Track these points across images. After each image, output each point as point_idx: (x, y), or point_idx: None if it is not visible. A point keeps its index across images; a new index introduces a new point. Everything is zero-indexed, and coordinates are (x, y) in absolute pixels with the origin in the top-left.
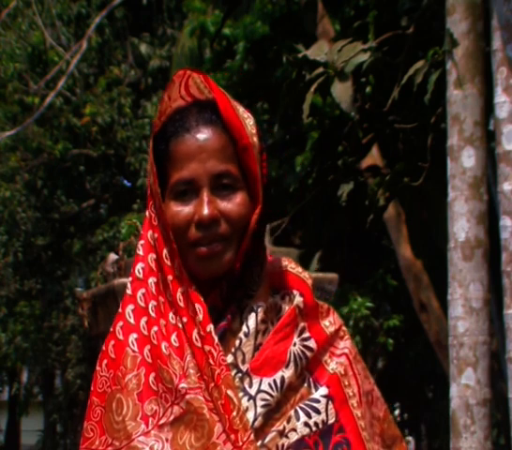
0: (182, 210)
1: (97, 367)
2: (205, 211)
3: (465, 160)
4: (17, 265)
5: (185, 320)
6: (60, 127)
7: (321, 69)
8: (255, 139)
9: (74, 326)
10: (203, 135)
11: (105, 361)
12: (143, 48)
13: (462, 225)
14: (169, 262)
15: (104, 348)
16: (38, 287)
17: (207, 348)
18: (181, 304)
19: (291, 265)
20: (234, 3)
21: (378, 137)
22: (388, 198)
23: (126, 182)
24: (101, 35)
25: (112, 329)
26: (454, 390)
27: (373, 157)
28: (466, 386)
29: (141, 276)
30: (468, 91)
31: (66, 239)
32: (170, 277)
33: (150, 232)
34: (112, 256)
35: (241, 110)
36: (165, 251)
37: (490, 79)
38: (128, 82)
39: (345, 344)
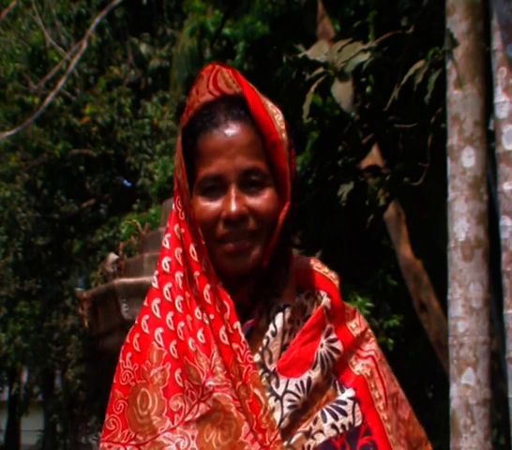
0: (209, 206)
1: (121, 360)
2: (233, 207)
3: (465, 160)
4: (17, 265)
5: (212, 317)
6: (60, 127)
7: (321, 69)
8: (284, 135)
9: (74, 326)
10: (232, 131)
11: (129, 354)
12: (143, 48)
13: (462, 225)
14: (196, 258)
15: (128, 341)
16: (38, 287)
17: (235, 346)
18: (208, 300)
19: (317, 265)
20: (234, 3)
21: (378, 137)
22: (388, 198)
23: (126, 182)
24: (101, 35)
25: (137, 322)
26: (454, 390)
27: (373, 158)
28: (466, 386)
29: (167, 270)
30: (468, 91)
31: (66, 239)
32: (196, 273)
33: (177, 226)
34: (112, 256)
35: (270, 105)
36: (192, 247)
37: (490, 79)
38: (127, 82)
39: (371, 346)
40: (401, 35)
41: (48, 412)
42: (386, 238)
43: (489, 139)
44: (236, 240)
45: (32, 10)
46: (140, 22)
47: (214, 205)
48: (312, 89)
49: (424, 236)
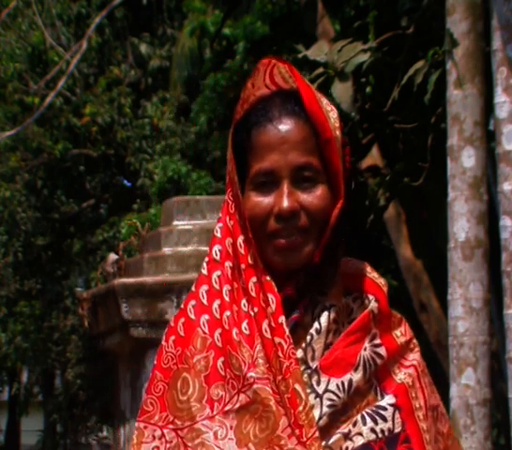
0: (262, 201)
1: (163, 342)
2: (285, 203)
3: (465, 160)
4: (17, 265)
5: (256, 309)
6: (60, 127)
7: (321, 70)
8: (338, 132)
9: (74, 326)
10: (286, 126)
11: (173, 337)
12: (143, 48)
13: (462, 225)
14: (243, 251)
15: (173, 324)
16: (38, 287)
17: (277, 340)
18: (253, 293)
19: (367, 269)
20: (234, 3)
21: (378, 137)
22: (388, 198)
23: (126, 182)
24: (101, 35)
25: (182, 306)
26: (454, 390)
27: (373, 158)
28: (466, 386)
29: (218, 257)
30: (468, 91)
31: (66, 239)
32: (243, 266)
33: (228, 218)
34: (112, 256)
35: (325, 102)
36: (240, 240)
37: (490, 79)
38: (127, 82)
39: (414, 356)
40: (401, 35)
41: (48, 412)
42: (386, 238)
43: (489, 139)
44: (288, 236)
45: (32, 10)
46: (140, 22)
47: (266, 201)
48: None
49: (424, 236)
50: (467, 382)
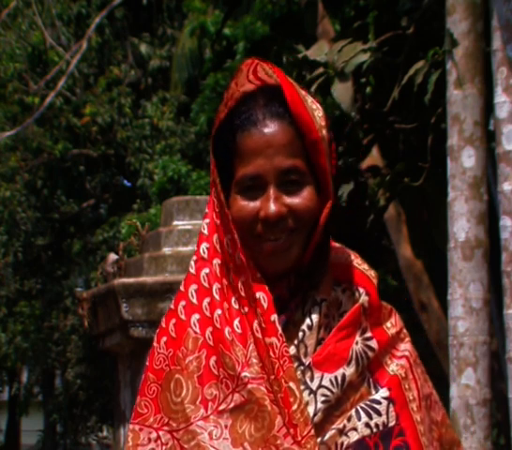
0: (247, 205)
1: (155, 344)
2: (272, 208)
3: (465, 160)
4: (17, 265)
5: (246, 309)
6: (60, 127)
7: (321, 70)
8: (324, 131)
9: (74, 326)
10: (270, 129)
11: (164, 338)
12: (143, 48)
13: (462, 225)
14: (230, 250)
15: (164, 325)
16: (38, 287)
17: (268, 340)
18: (242, 293)
19: (357, 261)
20: (234, 3)
21: (378, 137)
22: (388, 198)
23: (126, 182)
24: (101, 35)
25: (173, 307)
26: (454, 390)
27: (373, 158)
28: (466, 386)
29: (205, 255)
30: (468, 91)
31: (66, 239)
32: (231, 265)
33: (214, 215)
34: (112, 256)
35: (310, 100)
36: (227, 239)
37: (490, 79)
38: (128, 82)
39: (406, 347)
40: (401, 35)
41: (48, 412)
42: (386, 238)
43: (489, 139)
44: (275, 240)
45: (32, 10)
46: (140, 22)
47: (252, 205)
48: (312, 89)
49: (424, 236)
50: (467, 382)
